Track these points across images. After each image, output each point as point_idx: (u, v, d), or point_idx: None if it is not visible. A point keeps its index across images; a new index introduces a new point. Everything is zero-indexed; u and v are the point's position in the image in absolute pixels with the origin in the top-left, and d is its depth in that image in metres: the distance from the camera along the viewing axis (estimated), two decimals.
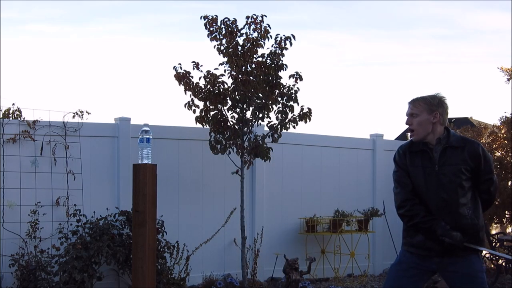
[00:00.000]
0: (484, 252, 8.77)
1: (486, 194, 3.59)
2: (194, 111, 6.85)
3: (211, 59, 7.16)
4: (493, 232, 9.41)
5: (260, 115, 6.86)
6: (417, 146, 3.61)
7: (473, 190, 3.55)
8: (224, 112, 6.87)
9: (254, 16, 6.85)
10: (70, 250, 6.03)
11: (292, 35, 6.93)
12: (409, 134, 3.70)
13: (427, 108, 3.57)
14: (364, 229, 8.08)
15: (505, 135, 9.67)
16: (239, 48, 6.82)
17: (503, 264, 8.37)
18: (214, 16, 6.84)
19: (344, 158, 8.65)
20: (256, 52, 6.85)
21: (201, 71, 6.83)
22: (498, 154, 9.61)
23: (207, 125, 6.85)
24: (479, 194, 3.59)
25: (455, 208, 3.49)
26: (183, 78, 6.78)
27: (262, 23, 6.86)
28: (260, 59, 6.85)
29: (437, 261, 3.56)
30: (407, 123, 3.65)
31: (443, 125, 3.61)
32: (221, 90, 6.78)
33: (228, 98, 6.81)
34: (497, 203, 9.18)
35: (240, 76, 6.70)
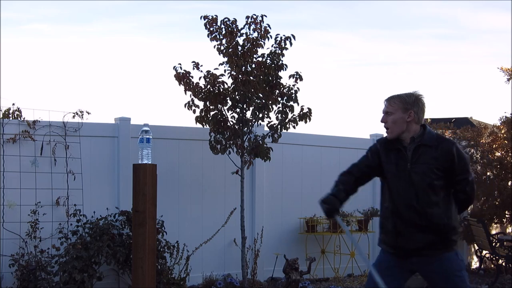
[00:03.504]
0: (484, 252, 8.78)
1: (462, 194, 3.56)
2: (194, 111, 6.85)
3: (211, 59, 7.16)
4: (493, 232, 9.41)
5: (260, 115, 6.86)
6: (392, 143, 3.61)
7: (447, 189, 3.51)
8: (224, 112, 6.87)
9: (254, 16, 6.85)
10: (70, 250, 6.03)
11: (292, 35, 6.94)
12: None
13: (402, 106, 3.56)
14: (364, 229, 8.09)
15: (505, 135, 9.66)
16: (239, 48, 6.82)
17: (503, 264, 8.37)
18: (214, 16, 6.84)
19: (344, 158, 8.61)
20: (256, 52, 6.85)
21: (201, 71, 6.83)
22: (498, 154, 9.61)
23: (207, 125, 6.85)
24: (455, 194, 3.55)
25: (424, 207, 3.47)
26: (183, 78, 6.78)
27: (262, 23, 6.86)
28: (260, 59, 6.85)
29: (415, 261, 3.55)
30: (382, 121, 3.65)
31: (418, 124, 3.59)
32: (221, 90, 6.78)
33: (228, 98, 6.81)
34: (496, 203, 9.18)
35: (240, 76, 6.70)
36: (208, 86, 6.77)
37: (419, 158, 3.51)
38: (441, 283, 3.51)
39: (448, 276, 3.50)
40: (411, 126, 3.57)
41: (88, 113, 6.66)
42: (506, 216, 9.31)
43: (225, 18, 6.83)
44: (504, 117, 9.77)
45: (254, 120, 6.90)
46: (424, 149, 3.52)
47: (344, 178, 3.73)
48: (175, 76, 6.80)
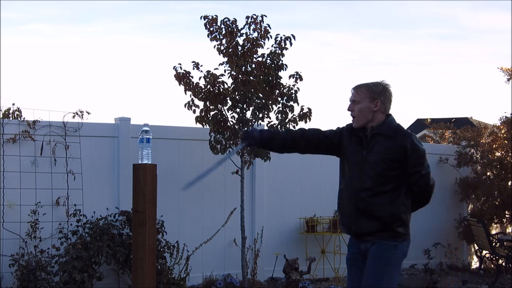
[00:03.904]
0: (484, 252, 8.77)
1: (416, 187, 3.54)
2: (194, 111, 6.85)
3: (211, 59, 7.16)
4: (493, 232, 9.41)
5: (260, 115, 6.86)
6: (356, 130, 3.63)
7: (399, 181, 3.51)
8: (224, 112, 6.87)
9: (254, 16, 6.86)
10: (70, 250, 6.03)
11: (292, 35, 6.94)
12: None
13: (369, 95, 3.56)
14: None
15: (505, 135, 9.66)
16: (239, 48, 6.82)
17: (503, 264, 8.37)
18: (214, 16, 6.84)
19: None
20: (256, 52, 6.85)
21: (201, 71, 6.83)
22: (498, 154, 9.61)
23: (207, 125, 6.85)
24: (410, 187, 3.54)
25: (370, 195, 3.50)
26: (183, 78, 6.78)
27: (262, 23, 6.86)
28: (260, 59, 6.85)
29: (363, 245, 3.61)
30: (348, 109, 3.64)
31: (384, 114, 3.60)
32: (221, 90, 6.78)
33: (228, 98, 6.81)
34: (496, 203, 9.18)
35: (240, 76, 6.70)
36: (208, 86, 6.77)
37: (373, 147, 3.54)
38: (368, 267, 3.55)
39: (376, 261, 3.53)
40: (377, 116, 3.58)
41: (88, 113, 6.67)
42: (506, 216, 9.31)
43: (225, 18, 6.84)
44: (504, 117, 9.77)
45: (254, 120, 6.90)
46: (379, 139, 3.54)
47: (291, 129, 3.85)
48: (175, 76, 6.80)
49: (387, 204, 3.50)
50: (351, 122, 3.68)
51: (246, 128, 3.76)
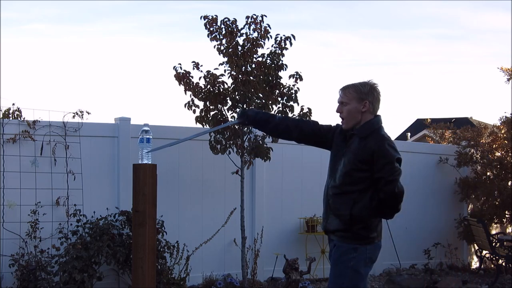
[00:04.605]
0: (484, 252, 8.77)
1: (381, 192, 3.45)
2: (194, 111, 6.85)
3: (211, 59, 7.17)
4: (493, 232, 9.41)
5: None
6: (346, 131, 3.64)
7: (367, 184, 3.47)
8: (224, 112, 6.87)
9: (254, 16, 6.86)
10: (70, 250, 6.03)
11: (292, 35, 6.94)
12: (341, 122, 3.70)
13: (357, 96, 3.55)
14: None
15: (505, 135, 9.66)
16: (239, 48, 6.82)
17: (503, 264, 8.37)
18: (214, 16, 6.84)
19: None
20: (256, 52, 6.86)
21: (201, 71, 6.83)
22: (498, 154, 9.61)
23: (207, 125, 6.85)
24: (377, 192, 3.47)
25: (337, 193, 3.54)
26: (183, 78, 6.78)
27: (262, 23, 6.86)
28: (260, 59, 6.85)
29: (331, 244, 3.67)
30: (337, 111, 3.64)
31: (373, 114, 3.59)
32: (221, 90, 6.78)
33: (228, 98, 6.81)
34: (496, 203, 9.18)
35: (240, 76, 6.70)
36: (208, 86, 6.77)
37: (349, 147, 3.56)
38: (330, 271, 3.62)
39: (335, 264, 3.56)
40: (366, 116, 3.56)
41: (88, 113, 6.67)
42: (506, 216, 9.31)
43: (225, 18, 6.84)
44: (504, 117, 9.77)
45: None
46: (355, 139, 3.55)
47: (288, 117, 3.88)
48: (175, 76, 6.80)
49: (349, 204, 3.48)
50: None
51: (243, 108, 3.80)
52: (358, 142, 3.51)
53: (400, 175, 3.49)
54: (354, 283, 3.49)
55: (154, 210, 4.99)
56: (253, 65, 6.79)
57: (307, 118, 6.97)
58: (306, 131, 3.76)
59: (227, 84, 6.82)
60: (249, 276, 7.22)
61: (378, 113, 3.65)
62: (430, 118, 13.36)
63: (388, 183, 3.43)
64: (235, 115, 3.83)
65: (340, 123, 3.67)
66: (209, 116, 6.81)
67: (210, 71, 6.80)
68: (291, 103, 6.95)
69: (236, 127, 6.85)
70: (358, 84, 3.59)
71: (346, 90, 3.59)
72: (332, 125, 3.78)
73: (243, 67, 6.76)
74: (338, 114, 3.62)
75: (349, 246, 3.50)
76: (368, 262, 3.53)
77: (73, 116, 6.61)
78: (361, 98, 3.54)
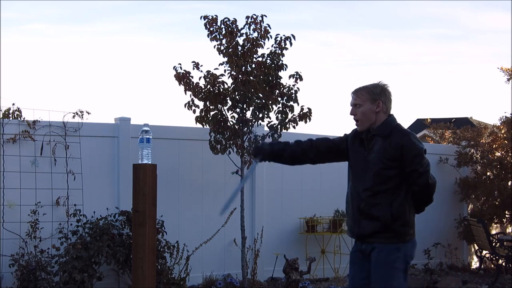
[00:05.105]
0: (484, 252, 8.76)
1: (415, 185, 3.52)
2: (194, 111, 6.85)
3: (211, 59, 7.16)
4: (493, 232, 9.41)
5: (260, 115, 6.86)
6: (361, 133, 3.66)
7: (399, 180, 3.51)
8: (224, 112, 6.87)
9: (254, 16, 6.85)
10: (70, 250, 6.03)
11: (292, 35, 6.94)
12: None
13: (370, 97, 3.59)
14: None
15: (505, 135, 9.66)
16: (239, 48, 6.82)
17: (503, 264, 8.37)
18: (214, 16, 6.84)
19: None
20: (256, 52, 6.85)
21: (201, 71, 6.83)
22: (498, 154, 9.61)
23: (207, 125, 6.85)
24: (410, 186, 3.53)
25: (370, 195, 3.52)
26: (183, 78, 6.78)
27: (262, 23, 6.86)
28: (260, 59, 6.85)
29: (364, 247, 3.61)
30: (351, 114, 3.67)
31: (386, 114, 3.62)
32: (221, 90, 6.78)
33: (228, 98, 6.81)
34: (496, 203, 9.18)
35: (240, 76, 6.70)
36: (208, 86, 6.77)
37: (372, 148, 3.56)
38: (374, 274, 3.54)
39: (381, 267, 3.53)
40: (380, 117, 3.60)
41: (88, 113, 6.67)
42: (506, 216, 9.31)
43: (225, 18, 6.84)
44: (504, 117, 9.76)
45: (254, 120, 6.90)
46: (378, 139, 3.56)
47: (300, 140, 3.83)
48: (175, 76, 6.80)
49: (387, 204, 3.50)
50: (355, 127, 3.70)
51: (256, 144, 3.83)
52: (381, 141, 3.54)
53: (430, 166, 3.57)
54: (401, 283, 3.52)
55: (154, 210, 5.00)
56: (253, 65, 6.78)
57: (307, 118, 6.99)
58: (321, 149, 3.78)
59: (227, 84, 6.82)
60: (249, 276, 7.22)
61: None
62: (430, 118, 13.34)
63: (421, 175, 3.51)
64: (252, 154, 3.85)
65: (355, 127, 3.71)
66: (209, 116, 6.81)
67: (210, 71, 6.80)
68: (291, 103, 6.95)
69: (236, 127, 6.85)
70: (369, 85, 3.64)
71: (359, 92, 3.63)
72: (342, 136, 3.81)
73: (243, 67, 6.75)
74: (352, 116, 3.66)
75: (392, 247, 3.52)
76: (409, 260, 3.58)
77: (73, 116, 6.61)
78: (374, 98, 3.59)
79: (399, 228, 3.51)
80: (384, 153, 3.51)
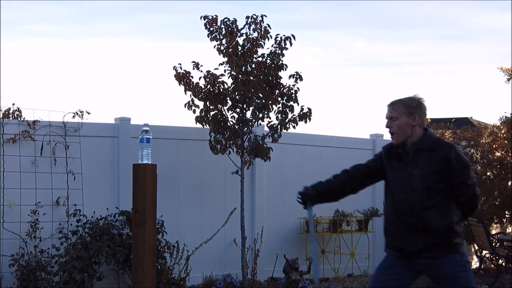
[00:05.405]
0: (484, 252, 8.77)
1: (462, 197, 3.55)
2: (194, 111, 6.85)
3: (211, 59, 7.16)
4: (493, 232, 9.41)
5: (260, 115, 6.86)
6: (396, 148, 3.65)
7: (447, 193, 3.52)
8: (224, 112, 6.87)
9: (254, 16, 6.86)
10: (70, 250, 6.03)
11: (292, 35, 6.94)
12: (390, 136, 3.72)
13: (406, 111, 3.59)
14: (364, 229, 8.09)
15: (505, 135, 9.66)
16: (239, 48, 6.82)
17: (503, 264, 8.37)
18: (214, 16, 6.84)
19: (344, 158, 8.62)
20: (256, 52, 6.86)
21: (201, 71, 6.83)
22: (498, 154, 9.60)
23: (207, 125, 6.85)
24: (456, 198, 3.55)
25: (421, 210, 3.50)
26: (183, 78, 6.78)
27: (262, 23, 6.86)
28: (260, 59, 6.85)
29: (420, 262, 3.57)
30: (387, 126, 3.66)
31: (422, 127, 3.62)
32: (221, 90, 6.78)
33: (228, 98, 6.81)
34: (496, 203, 9.18)
35: (240, 76, 6.70)
36: (208, 86, 6.77)
37: (417, 162, 3.54)
38: (447, 285, 3.55)
39: (453, 277, 3.53)
40: (416, 130, 3.59)
41: (88, 113, 6.67)
42: (506, 216, 9.31)
43: (225, 18, 6.84)
44: (504, 117, 9.76)
45: (254, 120, 6.90)
46: (423, 153, 3.55)
47: (337, 173, 3.85)
48: (175, 76, 6.80)
49: (439, 217, 3.50)
50: (389, 142, 3.72)
51: (299, 192, 3.89)
52: (427, 155, 3.54)
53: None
54: (474, 283, 3.58)
55: (154, 210, 5.00)
56: (253, 65, 6.79)
57: (307, 119, 6.99)
58: (359, 177, 3.81)
59: (227, 84, 6.82)
60: (249, 276, 7.22)
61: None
62: (430, 118, 13.31)
63: (469, 187, 3.54)
64: (300, 202, 3.92)
65: (389, 142, 3.72)
66: (209, 116, 6.81)
67: (210, 71, 6.80)
68: (291, 103, 6.95)
69: (236, 127, 6.85)
70: (405, 99, 3.64)
71: (395, 105, 3.63)
72: (374, 157, 3.82)
73: (243, 67, 6.75)
74: (388, 129, 3.66)
75: (456, 256, 3.54)
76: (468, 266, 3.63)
77: (73, 116, 6.61)
78: (410, 112, 3.58)
79: (454, 240, 3.53)
80: (432, 167, 3.50)
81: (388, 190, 3.68)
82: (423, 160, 3.53)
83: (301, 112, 6.98)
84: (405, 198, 3.55)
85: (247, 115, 6.89)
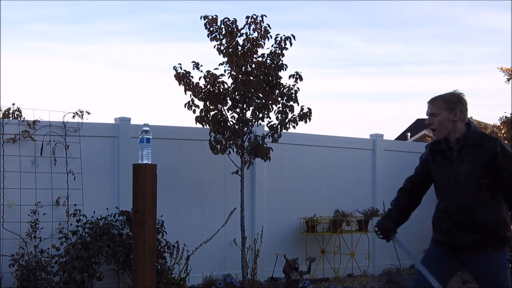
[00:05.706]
0: None
1: (509, 191, 3.53)
2: (194, 111, 6.85)
3: (211, 59, 7.16)
4: None
5: (260, 115, 6.86)
6: (439, 145, 3.66)
7: (494, 188, 3.53)
8: (224, 112, 6.88)
9: (254, 16, 6.86)
10: (70, 250, 6.03)
11: (292, 35, 6.94)
12: (430, 133, 3.75)
13: (446, 106, 3.59)
14: (364, 229, 8.09)
15: (505, 135, 9.66)
16: (239, 48, 6.82)
17: None
18: (214, 16, 6.84)
19: (344, 158, 8.65)
20: (256, 52, 6.86)
21: (201, 71, 6.83)
22: None
23: (207, 125, 6.85)
24: (504, 192, 3.54)
25: (470, 206, 3.52)
26: (183, 78, 6.78)
27: (262, 23, 6.86)
28: (260, 59, 6.86)
29: (464, 255, 3.60)
30: (428, 123, 3.69)
31: (463, 122, 3.62)
32: (221, 90, 6.78)
33: (228, 98, 6.82)
34: None
35: (240, 76, 6.70)
36: (208, 86, 6.78)
37: (464, 158, 3.55)
38: (485, 281, 3.55)
39: (492, 274, 3.54)
40: (457, 125, 3.60)
41: (88, 113, 6.67)
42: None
43: (225, 18, 6.84)
44: (504, 117, 9.78)
45: (254, 120, 6.91)
46: (468, 149, 3.55)
47: (397, 194, 3.88)
48: (175, 76, 6.80)
49: (489, 212, 3.51)
50: (430, 141, 3.75)
51: (376, 226, 3.90)
52: (473, 150, 3.54)
53: None
54: (510, 282, 3.55)
55: (154, 210, 4.99)
56: (253, 65, 6.79)
57: (307, 119, 6.98)
58: (420, 187, 3.86)
59: (227, 84, 6.82)
60: (249, 276, 7.22)
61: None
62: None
63: None
64: (382, 237, 3.93)
65: (430, 140, 3.74)
66: (209, 116, 6.81)
67: (210, 71, 6.80)
68: (291, 103, 6.95)
69: (236, 127, 6.85)
70: (445, 94, 3.65)
71: (435, 102, 3.64)
72: (420, 161, 3.85)
73: (243, 67, 6.76)
74: (429, 125, 3.67)
75: (499, 253, 3.54)
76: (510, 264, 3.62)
77: (73, 116, 6.61)
78: (451, 107, 3.59)
79: (505, 234, 3.54)
80: (479, 162, 3.50)
81: (436, 187, 3.72)
82: (469, 155, 3.54)
83: (301, 112, 6.98)
84: (453, 194, 3.58)
85: (247, 115, 6.89)
